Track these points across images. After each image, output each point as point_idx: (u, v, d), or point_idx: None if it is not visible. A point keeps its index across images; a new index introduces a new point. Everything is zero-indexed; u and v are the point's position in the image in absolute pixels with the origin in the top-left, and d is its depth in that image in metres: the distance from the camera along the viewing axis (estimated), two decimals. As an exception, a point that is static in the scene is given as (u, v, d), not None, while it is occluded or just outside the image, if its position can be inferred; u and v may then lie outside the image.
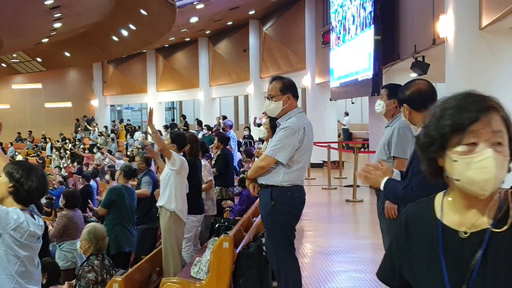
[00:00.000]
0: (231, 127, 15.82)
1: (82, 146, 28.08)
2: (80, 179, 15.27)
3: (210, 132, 19.10)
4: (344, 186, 14.72)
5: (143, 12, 22.63)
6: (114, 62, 36.22)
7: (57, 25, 23.72)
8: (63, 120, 37.70)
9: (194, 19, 24.09)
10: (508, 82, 8.27)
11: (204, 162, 8.43)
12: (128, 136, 29.02)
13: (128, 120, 35.84)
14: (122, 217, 7.81)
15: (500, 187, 1.73)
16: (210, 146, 12.48)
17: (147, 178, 8.51)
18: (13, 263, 3.32)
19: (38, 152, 31.52)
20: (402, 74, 13.01)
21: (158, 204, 6.71)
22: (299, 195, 5.03)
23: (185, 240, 7.04)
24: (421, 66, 11.02)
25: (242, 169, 13.15)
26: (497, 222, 1.73)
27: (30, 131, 35.08)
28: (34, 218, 3.44)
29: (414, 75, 11.34)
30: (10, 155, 30.19)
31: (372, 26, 13.02)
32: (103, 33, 27.84)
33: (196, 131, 20.37)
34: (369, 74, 13.33)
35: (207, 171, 8.30)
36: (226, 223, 7.97)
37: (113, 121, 33.80)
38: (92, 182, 14.34)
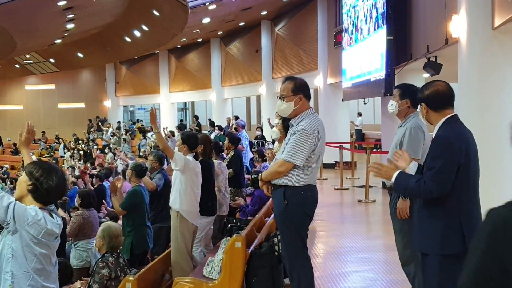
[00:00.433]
0: (243, 127, 15.85)
1: (95, 147, 28.20)
2: (93, 179, 15.37)
3: (221, 132, 19.14)
4: (357, 187, 14.70)
5: (155, 13, 22.70)
6: (127, 63, 36.33)
7: (70, 26, 23.83)
8: (76, 120, 37.86)
9: (206, 20, 24.12)
10: (521, 82, 8.25)
11: (218, 165, 8.44)
12: (141, 137, 29.11)
13: (141, 120, 35.95)
14: (144, 218, 7.85)
15: None
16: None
17: (160, 175, 8.52)
18: (30, 260, 3.36)
19: (52, 153, 31.67)
20: (414, 74, 13.00)
21: (170, 203, 6.78)
22: (312, 194, 5.04)
23: (195, 240, 7.07)
24: (433, 66, 10.99)
25: (254, 169, 13.15)
26: None
27: (44, 132, 35.25)
28: (53, 217, 3.48)
29: (426, 75, 11.33)
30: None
31: (385, 26, 12.99)
32: (115, 34, 27.93)
33: (209, 131, 20.43)
34: (381, 74, 13.30)
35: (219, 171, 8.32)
36: (239, 223, 7.98)
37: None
38: (105, 182, 14.41)
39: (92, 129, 33.49)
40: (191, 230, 6.68)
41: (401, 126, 5.61)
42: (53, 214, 3.52)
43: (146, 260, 7.92)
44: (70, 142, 31.92)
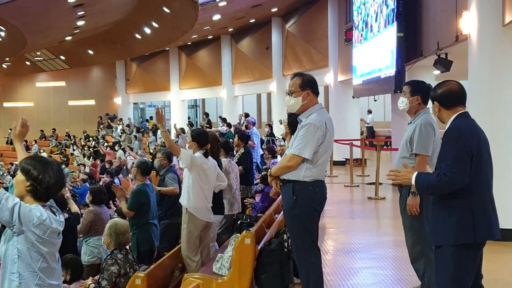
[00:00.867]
0: (254, 124, 15.88)
1: (105, 144, 28.31)
2: (104, 176, 15.46)
3: (229, 129, 19.17)
4: (367, 184, 14.69)
5: (166, 9, 22.73)
6: (137, 60, 36.38)
7: (80, 23, 23.90)
8: (87, 118, 37.98)
9: (216, 17, 24.13)
10: (532, 79, 8.21)
11: (232, 163, 8.44)
12: (151, 134, 29.19)
13: (151, 117, 36.03)
14: (150, 216, 7.86)
15: None
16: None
17: (172, 175, 8.50)
18: (36, 260, 3.34)
19: (62, 150, 31.81)
20: (425, 71, 12.95)
21: (180, 200, 6.81)
22: (320, 190, 5.05)
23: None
24: (444, 63, 10.95)
25: (264, 167, 13.17)
26: None
27: (54, 129, 35.40)
28: (55, 214, 3.47)
29: (436, 72, 11.29)
30: (34, 151, 30.55)
31: (395, 23, 12.96)
32: (126, 31, 27.99)
33: (222, 127, 20.47)
34: (391, 71, 13.27)
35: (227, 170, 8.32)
36: (248, 220, 7.99)
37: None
38: (115, 180, 14.49)
39: (102, 126, 33.59)
40: (199, 226, 6.69)
41: (411, 122, 5.61)
42: (55, 211, 3.51)
43: (153, 258, 7.93)
44: (80, 139, 32.05)
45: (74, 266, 7.09)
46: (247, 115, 19.42)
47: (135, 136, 26.51)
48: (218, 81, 31.89)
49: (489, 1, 8.25)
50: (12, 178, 25.69)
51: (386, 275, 6.71)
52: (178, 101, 35.12)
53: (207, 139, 6.98)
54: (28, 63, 36.25)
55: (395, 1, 12.97)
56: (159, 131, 28.41)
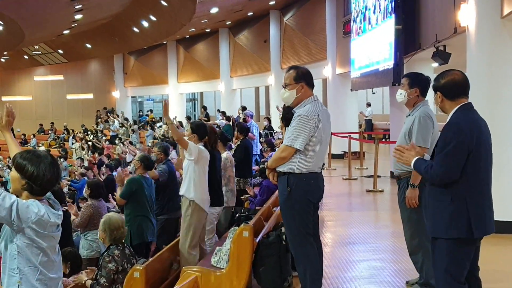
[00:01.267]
0: (251, 117, 15.89)
1: (104, 138, 28.29)
2: (103, 169, 15.43)
3: (229, 123, 19.15)
4: (365, 177, 14.69)
5: (163, 3, 22.68)
6: (135, 54, 36.33)
7: (78, 16, 23.85)
8: (85, 111, 37.95)
9: (214, 10, 24.07)
10: (531, 71, 8.20)
11: (226, 155, 8.44)
12: (149, 128, 29.17)
13: (151, 110, 36.01)
14: (143, 208, 7.85)
15: None
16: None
17: (164, 166, 8.49)
18: (36, 254, 3.32)
19: (61, 143, 31.80)
20: (423, 63, 12.93)
21: (180, 193, 6.81)
22: (315, 182, 5.07)
23: (206, 233, 7.08)
24: (442, 56, 10.94)
25: (262, 160, 13.17)
26: None
27: (52, 123, 35.37)
28: (53, 207, 3.45)
29: (435, 64, 11.28)
30: (32, 145, 30.55)
31: (393, 15, 12.93)
32: (124, 25, 27.93)
33: (220, 120, 20.46)
34: (390, 64, 13.25)
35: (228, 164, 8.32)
36: (247, 213, 7.99)
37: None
38: (114, 172, 14.46)
39: (99, 119, 33.56)
40: (203, 218, 6.73)
41: (409, 115, 5.60)
42: (53, 204, 3.49)
43: (149, 252, 7.92)
44: (79, 132, 32.03)
45: (73, 260, 7.11)
46: (244, 109, 19.41)
47: (133, 130, 26.50)
48: (216, 75, 31.86)
49: (487, -7, 8.23)
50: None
51: (385, 268, 6.72)
52: (176, 94, 35.09)
53: (207, 131, 7.01)
54: (26, 57, 36.18)
55: (393, -6, 12.94)
56: (157, 124, 28.44)
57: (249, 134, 11.88)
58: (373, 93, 17.47)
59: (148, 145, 21.77)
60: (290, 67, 5.31)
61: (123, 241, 6.27)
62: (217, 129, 10.27)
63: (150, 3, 23.51)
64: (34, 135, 33.72)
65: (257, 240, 5.97)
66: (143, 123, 31.96)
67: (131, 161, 14.68)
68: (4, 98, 38.67)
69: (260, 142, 15.84)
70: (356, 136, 18.11)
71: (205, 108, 26.13)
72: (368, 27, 15.55)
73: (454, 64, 10.63)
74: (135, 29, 28.52)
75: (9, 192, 3.33)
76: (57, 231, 3.45)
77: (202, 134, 6.94)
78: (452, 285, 3.87)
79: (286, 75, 5.20)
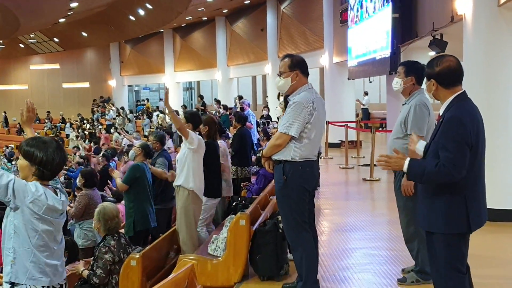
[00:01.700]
0: (248, 105, 15.88)
1: (99, 127, 28.25)
2: (100, 159, 15.41)
3: (226, 112, 19.14)
4: (362, 165, 14.69)
5: (160, -9, 22.61)
6: (131, 42, 36.24)
7: (74, 4, 23.70)
8: (81, 100, 37.92)
9: (211, -2, 24.02)
10: (527, 59, 8.19)
11: (222, 144, 8.43)
12: (145, 117, 29.13)
13: (148, 99, 35.95)
14: (146, 194, 7.83)
15: None
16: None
17: (162, 159, 8.40)
18: (32, 237, 3.36)
19: (57, 132, 31.75)
20: (420, 52, 12.91)
21: (175, 184, 6.73)
22: (310, 170, 5.08)
23: (200, 221, 7.07)
24: (439, 44, 10.93)
25: (259, 149, 13.18)
26: None
27: (48, 112, 35.31)
28: (57, 194, 3.47)
29: (432, 53, 11.26)
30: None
31: (390, 3, 12.90)
32: (119, 13, 27.83)
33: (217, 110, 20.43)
34: (386, 52, 13.23)
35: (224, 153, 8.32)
36: (243, 202, 8.00)
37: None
38: (111, 163, 14.47)
39: (96, 109, 33.49)
40: (200, 207, 6.73)
41: (405, 103, 5.60)
42: (58, 191, 3.52)
43: (148, 239, 7.93)
44: (75, 121, 31.97)
45: (70, 248, 7.10)
46: (240, 98, 19.39)
47: (129, 119, 26.46)
48: (213, 63, 31.80)
49: (484, -19, 8.21)
50: (8, 161, 25.70)
51: (381, 255, 6.74)
52: (173, 83, 35.01)
53: (201, 120, 6.99)
54: (21, 45, 36.08)
55: (390, -18, 12.91)
56: (154, 114, 28.41)
57: (247, 123, 11.88)
58: (370, 82, 17.44)
59: (145, 135, 21.78)
60: (285, 55, 5.31)
61: (120, 231, 6.28)
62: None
63: (146, -9, 23.44)
64: (30, 124, 33.60)
65: (254, 229, 5.98)
66: (140, 112, 31.91)
67: (127, 151, 14.65)
68: None
69: (258, 131, 15.85)
70: (353, 125, 18.10)
71: (201, 97, 26.06)
72: (365, 16, 15.52)
73: (451, 53, 10.52)
74: (131, 17, 28.43)
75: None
76: (59, 218, 3.49)
77: (197, 123, 6.92)
78: (455, 277, 3.82)
79: (281, 63, 5.21)
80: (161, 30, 33.92)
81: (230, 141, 9.78)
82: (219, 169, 7.59)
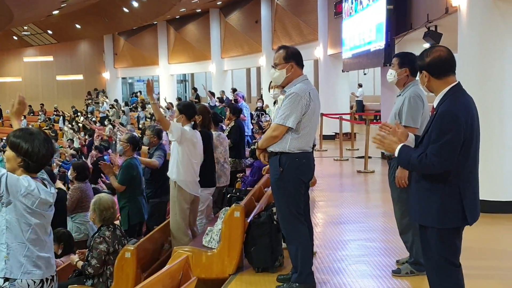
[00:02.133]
0: (242, 97, 15.86)
1: (93, 119, 28.19)
2: (93, 152, 15.38)
3: (222, 105, 19.10)
4: (356, 158, 14.72)
5: (153, -18, 22.52)
6: (125, 34, 36.11)
7: (68, -4, 23.69)
8: (75, 92, 37.78)
9: (205, -11, 23.92)
10: (522, 51, 8.20)
11: (217, 136, 8.40)
12: (140, 109, 29.06)
13: (140, 92, 35.87)
14: (139, 189, 7.84)
15: None
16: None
17: (160, 152, 8.39)
18: (25, 231, 3.34)
19: (51, 125, 31.67)
20: (414, 44, 12.91)
21: (168, 174, 6.77)
22: (306, 161, 5.08)
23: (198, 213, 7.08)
24: (433, 36, 10.93)
25: (254, 141, 13.17)
26: None
27: (42, 104, 35.20)
28: (46, 186, 3.46)
29: (426, 45, 11.25)
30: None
31: (385, -5, 12.89)
32: (113, 5, 27.73)
33: (208, 103, 20.38)
34: (381, 44, 13.23)
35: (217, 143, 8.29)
36: (238, 194, 7.99)
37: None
38: (105, 156, 14.44)
39: (90, 101, 33.41)
40: (188, 200, 6.69)
41: (400, 95, 5.60)
42: (46, 183, 3.49)
43: (142, 231, 7.93)
44: (69, 114, 31.89)
45: (66, 241, 7.11)
46: (235, 90, 19.35)
47: (123, 111, 26.40)
48: (207, 56, 31.73)
49: (479, -27, 8.20)
50: (3, 154, 25.63)
51: (375, 247, 6.75)
52: (167, 75, 34.94)
53: (195, 111, 6.95)
54: (15, 37, 35.94)
55: (385, -27, 12.88)
56: (148, 106, 28.34)
57: (241, 115, 11.84)
58: (365, 74, 17.45)
59: (139, 127, 21.73)
60: (279, 47, 5.30)
61: (115, 222, 6.28)
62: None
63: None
64: (25, 117, 33.52)
65: (249, 220, 5.98)
66: (134, 104, 31.84)
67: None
68: (-7, 79, 38.58)
69: (252, 123, 15.83)
70: (347, 117, 18.11)
71: (195, 89, 26.03)
72: (359, 7, 15.49)
73: (445, 45, 10.59)
74: (125, 9, 28.32)
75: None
76: (49, 210, 3.46)
77: (190, 114, 6.86)
78: (449, 270, 3.82)
79: (276, 55, 5.20)
80: (155, 22, 33.81)
81: (226, 133, 9.73)
82: (213, 158, 7.59)
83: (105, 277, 5.91)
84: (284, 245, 5.82)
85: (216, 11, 31.09)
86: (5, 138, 29.12)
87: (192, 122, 6.84)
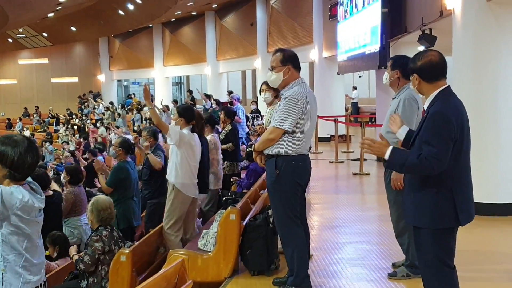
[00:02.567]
0: (238, 100, 15.86)
1: (88, 121, 28.13)
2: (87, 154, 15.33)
3: (218, 107, 19.10)
4: (351, 160, 14.73)
5: (149, -15, 22.52)
6: (120, 37, 36.10)
7: (63, -1, 23.66)
8: (70, 95, 37.70)
9: (200, -8, 23.93)
10: (516, 54, 8.23)
11: (213, 138, 8.40)
12: (135, 112, 29.01)
13: (134, 94, 35.80)
14: (129, 193, 7.82)
15: None
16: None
17: (160, 152, 8.39)
18: (21, 241, 3.27)
19: (46, 127, 31.60)
20: (409, 47, 12.94)
21: (166, 177, 6.78)
22: (303, 164, 5.08)
23: None
24: (428, 39, 10.95)
25: (250, 143, 13.17)
26: None
27: (37, 106, 35.14)
28: (35, 191, 3.40)
29: (421, 48, 11.28)
30: (18, 129, 30.36)
31: (379, -2, 12.92)
32: (109, 7, 27.71)
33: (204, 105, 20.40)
34: (376, 47, 13.25)
35: (213, 147, 8.28)
36: (234, 196, 7.99)
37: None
38: (99, 157, 14.39)
39: (86, 103, 33.34)
40: (186, 202, 6.69)
41: (395, 97, 5.63)
42: (35, 188, 3.43)
43: (133, 236, 7.90)
44: (64, 116, 31.81)
45: (62, 244, 7.09)
46: (230, 93, 19.35)
47: (119, 114, 26.35)
48: (202, 58, 31.74)
49: (474, -24, 8.23)
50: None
51: (371, 250, 6.76)
52: (162, 78, 34.95)
53: (194, 114, 6.96)
54: (10, 40, 35.86)
55: (380, -24, 12.91)
56: (144, 109, 28.29)
57: (236, 117, 11.85)
58: (360, 77, 17.46)
59: (135, 129, 21.70)
60: (276, 49, 5.30)
61: (110, 223, 6.28)
62: (207, 112, 10.18)
63: (136, -15, 23.33)
64: (20, 119, 33.49)
65: (244, 223, 5.98)
66: (129, 106, 31.77)
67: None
68: (-12, 82, 38.49)
69: (247, 125, 15.82)
70: (343, 119, 18.13)
71: (190, 92, 26.01)
72: (354, 10, 15.52)
73: (440, 48, 10.61)
74: (121, 12, 28.31)
75: None
76: (39, 216, 3.41)
77: (189, 117, 6.87)
78: (443, 271, 3.84)
79: (273, 58, 5.20)
80: (150, 25, 33.82)
81: (221, 136, 9.72)
82: (207, 164, 7.58)
83: (100, 278, 5.91)
84: (280, 247, 5.82)
85: (211, 13, 31.12)
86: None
87: (191, 125, 6.85)
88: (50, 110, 34.14)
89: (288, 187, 5.02)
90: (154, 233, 6.73)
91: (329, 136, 18.51)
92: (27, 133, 28.11)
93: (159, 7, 26.47)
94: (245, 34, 28.24)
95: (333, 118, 16.06)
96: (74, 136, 24.54)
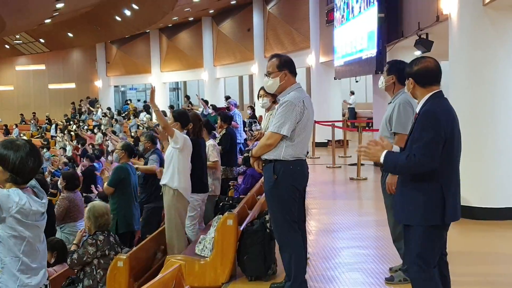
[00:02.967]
0: (235, 105, 15.87)
1: (86, 127, 28.12)
2: (84, 160, 15.32)
3: (214, 112, 19.11)
4: (349, 165, 14.73)
5: (145, -9, 22.53)
6: (117, 43, 36.10)
7: (60, 5, 23.59)
8: (67, 101, 37.65)
9: (197, -2, 23.95)
10: (512, 58, 8.25)
11: (212, 142, 8.41)
12: (132, 117, 29.01)
13: (131, 100, 35.82)
14: (129, 196, 7.82)
15: None
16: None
17: (156, 156, 8.45)
18: (19, 244, 3.27)
19: (43, 133, 31.57)
20: (406, 52, 12.97)
21: (162, 182, 6.76)
22: (300, 169, 5.08)
23: (189, 219, 7.07)
24: (424, 44, 10.98)
25: (247, 148, 13.17)
26: None
27: (34, 113, 35.11)
28: (37, 195, 3.40)
29: (418, 52, 11.31)
30: (15, 135, 30.32)
31: (376, 3, 12.94)
32: (106, 13, 27.72)
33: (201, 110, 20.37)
34: (373, 52, 13.28)
35: (216, 152, 8.29)
36: (231, 202, 7.99)
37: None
38: (96, 163, 14.39)
39: (83, 110, 33.32)
40: (186, 207, 6.73)
41: (391, 102, 5.65)
42: (37, 192, 3.44)
43: (133, 241, 7.89)
44: (61, 122, 31.78)
45: (60, 249, 7.08)
46: (227, 98, 19.36)
47: (116, 120, 26.34)
48: (199, 63, 31.75)
49: (469, -19, 8.25)
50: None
51: (368, 254, 6.76)
52: (159, 83, 34.89)
53: (189, 119, 6.98)
54: (7, 46, 35.83)
55: (376, -18, 12.94)
56: (141, 114, 28.29)
57: (233, 122, 11.85)
58: (357, 82, 17.51)
59: (132, 135, 21.69)
60: (272, 55, 5.31)
61: (109, 229, 6.28)
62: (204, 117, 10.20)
63: (132, -9, 23.35)
64: (16, 125, 33.45)
65: (241, 229, 5.98)
66: (126, 112, 31.77)
67: (113, 151, 14.60)
68: (-15, 88, 38.46)
69: (244, 130, 15.83)
70: (340, 124, 18.15)
71: (188, 97, 26.01)
72: (351, 16, 15.56)
73: (436, 52, 10.68)
74: (117, 18, 28.32)
75: None
76: (41, 220, 3.41)
77: (185, 121, 6.91)
78: (423, 269, 3.94)
79: (269, 63, 5.21)
80: (147, 31, 33.83)
81: (217, 140, 9.72)
82: (204, 165, 7.57)
83: (96, 282, 5.90)
84: (277, 252, 5.82)
85: (208, 19, 31.14)
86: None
87: (185, 130, 6.88)
88: (47, 116, 34.12)
89: (286, 192, 5.02)
90: (151, 238, 6.72)
91: (326, 141, 18.52)
92: (24, 138, 28.06)
93: (156, 13, 26.50)
94: (242, 39, 28.28)
95: (330, 123, 16.07)
96: (72, 141, 24.53)
